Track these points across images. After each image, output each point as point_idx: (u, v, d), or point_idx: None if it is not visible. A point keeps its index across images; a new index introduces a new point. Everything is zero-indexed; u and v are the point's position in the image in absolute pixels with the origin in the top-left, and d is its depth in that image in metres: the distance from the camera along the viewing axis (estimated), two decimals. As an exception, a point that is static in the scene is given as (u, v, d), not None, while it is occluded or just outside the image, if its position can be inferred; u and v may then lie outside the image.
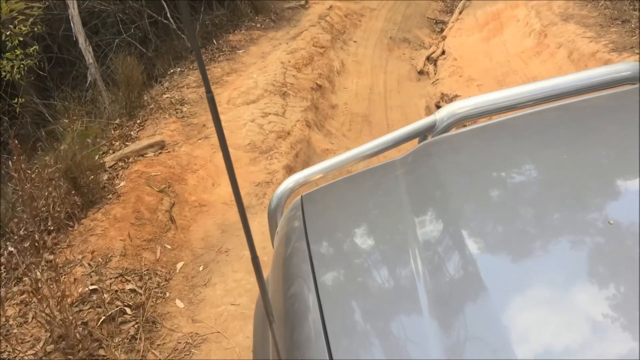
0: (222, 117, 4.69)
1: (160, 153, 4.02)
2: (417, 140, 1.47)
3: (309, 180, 1.40)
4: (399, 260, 0.96)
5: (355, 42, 7.95)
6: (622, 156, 1.00)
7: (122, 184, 3.38)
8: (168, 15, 7.40)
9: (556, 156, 1.06)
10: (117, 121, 4.91)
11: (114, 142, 4.48)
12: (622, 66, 1.37)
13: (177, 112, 4.91)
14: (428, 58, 8.04)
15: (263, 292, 0.73)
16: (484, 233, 0.93)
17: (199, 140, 4.22)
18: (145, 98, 5.24)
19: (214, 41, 7.32)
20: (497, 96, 1.39)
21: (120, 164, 3.84)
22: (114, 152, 4.20)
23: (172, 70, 6.66)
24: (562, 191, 0.96)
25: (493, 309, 0.77)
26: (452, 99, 5.84)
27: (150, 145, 4.08)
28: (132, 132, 4.60)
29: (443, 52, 8.00)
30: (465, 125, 1.42)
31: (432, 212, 1.03)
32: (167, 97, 5.30)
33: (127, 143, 4.43)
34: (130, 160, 3.87)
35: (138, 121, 4.77)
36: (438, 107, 4.86)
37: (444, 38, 8.35)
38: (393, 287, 0.91)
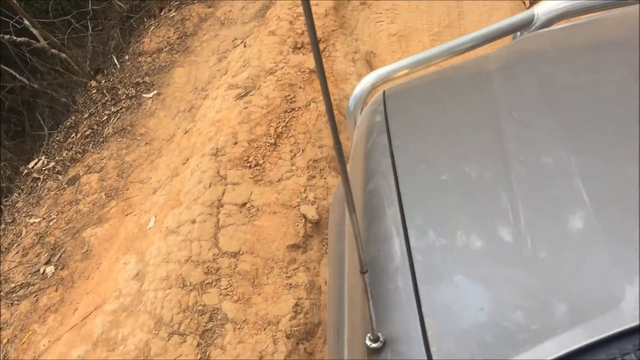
0: None
1: None
2: (510, 37, 1.41)
3: (391, 77, 1.34)
4: (488, 160, 0.92)
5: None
6: None
7: None
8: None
9: None
10: None
11: None
12: None
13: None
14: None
15: (345, 183, 0.70)
16: (582, 131, 0.89)
17: None
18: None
19: (115, 60, 4.41)
20: None
21: None
22: None
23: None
24: None
25: (588, 222, 0.75)
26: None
27: None
28: None
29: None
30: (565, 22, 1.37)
31: (530, 111, 0.96)
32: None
33: None
34: None
35: None
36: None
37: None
38: (478, 186, 0.88)
